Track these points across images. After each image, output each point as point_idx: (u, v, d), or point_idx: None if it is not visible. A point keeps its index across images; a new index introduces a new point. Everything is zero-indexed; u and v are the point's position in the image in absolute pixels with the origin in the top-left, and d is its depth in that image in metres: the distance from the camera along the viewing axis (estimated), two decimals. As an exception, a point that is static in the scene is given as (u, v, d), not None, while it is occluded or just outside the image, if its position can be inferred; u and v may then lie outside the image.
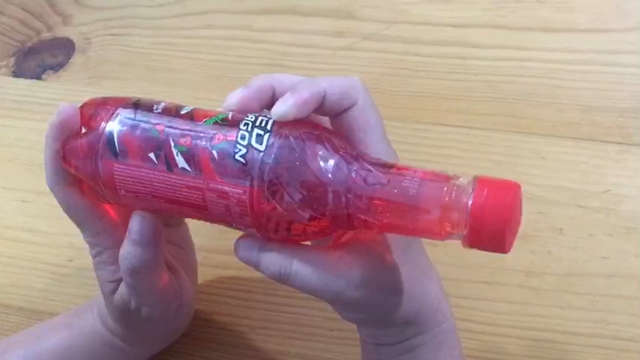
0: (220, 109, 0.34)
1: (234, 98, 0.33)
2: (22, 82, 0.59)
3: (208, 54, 0.57)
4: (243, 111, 0.33)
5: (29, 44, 0.60)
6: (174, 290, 0.41)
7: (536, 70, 0.53)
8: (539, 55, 0.54)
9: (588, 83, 0.52)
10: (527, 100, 0.52)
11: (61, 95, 0.57)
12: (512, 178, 0.49)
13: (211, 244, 0.49)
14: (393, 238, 0.34)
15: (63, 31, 0.60)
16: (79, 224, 0.39)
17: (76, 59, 0.59)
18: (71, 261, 0.51)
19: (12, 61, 0.60)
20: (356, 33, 0.56)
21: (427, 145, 0.52)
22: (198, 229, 0.45)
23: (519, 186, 0.30)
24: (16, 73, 0.59)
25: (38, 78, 0.59)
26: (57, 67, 0.59)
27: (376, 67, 0.55)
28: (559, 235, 0.48)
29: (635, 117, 0.51)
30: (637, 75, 0.52)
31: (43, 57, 0.59)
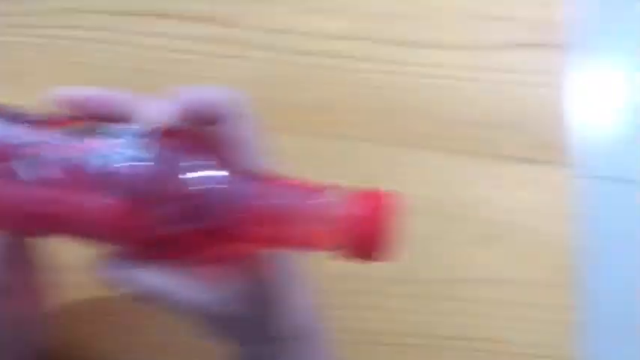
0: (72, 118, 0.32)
1: (79, 94, 0.32)
2: None
3: (74, 56, 0.54)
4: (82, 112, 0.32)
5: None
6: (10, 314, 0.37)
7: (407, 84, 0.54)
8: (411, 70, 0.55)
9: (459, 98, 0.54)
10: (399, 112, 0.54)
11: None
12: (382, 188, 0.51)
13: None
14: (270, 254, 0.34)
15: None
16: None
17: None
18: None
19: None
20: (239, 41, 0.55)
21: (306, 157, 0.52)
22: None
23: (390, 195, 0.31)
24: None
25: None
26: None
27: (258, 76, 0.54)
28: (426, 243, 0.50)
29: (505, 130, 0.53)
30: (507, 90, 0.54)
31: None
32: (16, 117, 0.32)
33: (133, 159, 0.30)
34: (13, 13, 0.55)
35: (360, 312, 0.48)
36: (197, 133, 0.33)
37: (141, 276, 0.31)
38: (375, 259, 0.30)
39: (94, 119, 0.32)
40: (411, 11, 0.57)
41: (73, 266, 0.45)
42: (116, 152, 0.30)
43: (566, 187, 0.52)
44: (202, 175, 0.30)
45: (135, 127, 0.31)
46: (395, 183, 0.51)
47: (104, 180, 0.30)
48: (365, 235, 0.30)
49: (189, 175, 0.30)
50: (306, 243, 0.31)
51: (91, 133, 0.31)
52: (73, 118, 0.32)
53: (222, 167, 0.31)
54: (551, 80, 0.55)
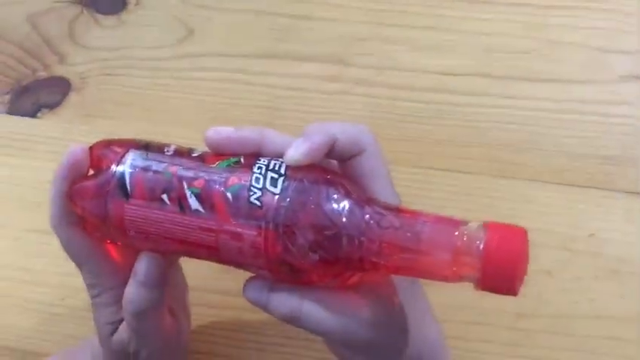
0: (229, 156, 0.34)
1: (217, 134, 0.34)
2: (17, 120, 0.59)
3: (204, 95, 0.58)
4: (221, 150, 0.34)
5: (25, 82, 0.60)
6: (175, 332, 0.41)
7: (522, 118, 0.55)
8: (525, 104, 0.56)
9: (572, 131, 0.54)
10: (513, 146, 0.54)
11: (55, 133, 0.58)
12: (500, 221, 0.52)
13: (206, 284, 0.49)
14: (397, 280, 0.35)
15: (59, 70, 0.61)
16: (80, 265, 0.39)
17: (72, 98, 0.59)
18: (63, 300, 0.51)
19: (7, 98, 0.60)
20: (348, 78, 0.58)
21: (417, 188, 0.53)
22: (191, 270, 0.45)
23: (526, 231, 0.31)
24: (11, 111, 0.59)
25: (33, 116, 0.59)
26: (52, 106, 0.59)
27: (367, 111, 0.57)
28: (548, 278, 0.49)
29: (617, 164, 0.53)
30: (618, 124, 0.54)
31: (38, 95, 0.60)
32: (176, 153, 0.35)
33: (285, 190, 0.32)
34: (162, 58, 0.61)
35: (473, 344, 0.48)
36: (327, 167, 0.34)
37: (282, 300, 0.33)
38: (510, 293, 0.31)
39: (235, 155, 0.34)
40: (530, 46, 0.57)
41: (209, 287, 0.49)
42: (259, 185, 0.32)
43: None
44: (339, 205, 0.32)
45: (275, 161, 0.33)
46: (508, 216, 0.53)
47: (247, 211, 0.32)
48: (504, 268, 0.30)
49: (328, 205, 0.32)
50: (444, 274, 0.31)
51: (245, 166, 0.33)
52: (219, 155, 0.35)
53: (358, 198, 0.33)
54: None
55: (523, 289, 0.49)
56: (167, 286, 0.38)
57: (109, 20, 0.62)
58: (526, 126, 0.55)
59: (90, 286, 0.39)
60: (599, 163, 0.53)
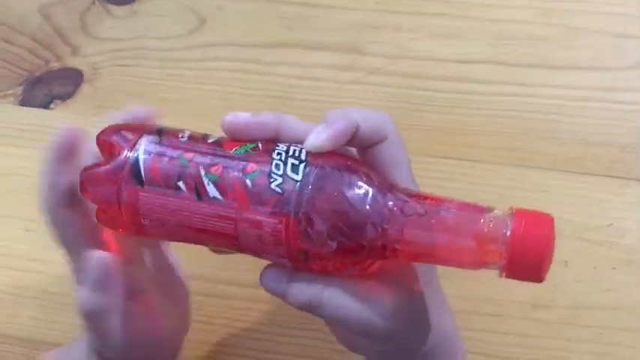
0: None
1: (235, 118, 0.33)
2: (29, 111, 0.59)
3: (217, 85, 0.58)
4: (238, 136, 0.33)
5: (37, 74, 0.60)
6: (153, 335, 0.39)
7: (538, 106, 0.54)
8: (541, 92, 0.55)
9: (589, 119, 0.54)
10: (530, 135, 0.53)
11: (68, 124, 0.58)
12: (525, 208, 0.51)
13: (216, 274, 0.49)
14: (417, 269, 0.35)
15: (72, 62, 0.60)
16: (71, 249, 0.37)
17: (84, 89, 0.59)
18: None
19: (19, 90, 0.60)
20: (361, 67, 0.57)
21: (432, 178, 0.53)
22: (202, 259, 0.45)
23: (553, 217, 0.31)
24: (24, 102, 0.59)
25: (46, 107, 0.59)
26: (65, 97, 0.59)
27: (381, 100, 0.56)
28: (564, 268, 0.49)
29: (635, 152, 0.52)
30: (636, 111, 0.53)
31: (51, 86, 0.60)
32: (191, 138, 0.34)
33: (307, 177, 0.31)
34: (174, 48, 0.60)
35: (497, 336, 0.47)
36: (347, 155, 0.34)
37: (302, 287, 0.33)
38: (536, 280, 0.30)
39: (253, 141, 0.34)
40: (545, 32, 0.57)
41: (219, 278, 0.49)
42: (279, 172, 0.32)
43: None
44: (362, 192, 0.31)
45: (294, 147, 0.33)
46: (524, 205, 0.52)
47: (267, 198, 0.32)
48: (531, 255, 0.29)
49: (350, 192, 0.31)
50: (469, 261, 0.31)
51: (263, 152, 0.33)
52: (236, 140, 0.34)
53: (380, 185, 0.32)
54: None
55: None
56: (121, 286, 0.36)
57: (120, 11, 0.62)
58: (541, 114, 0.54)
59: (77, 271, 0.37)
60: (615, 151, 0.52)
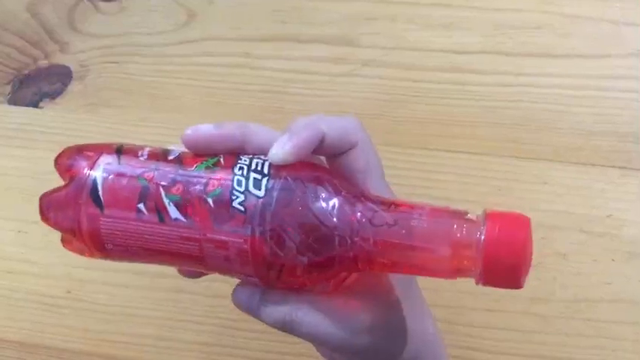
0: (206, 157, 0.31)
1: (196, 132, 0.31)
2: (19, 110, 0.58)
3: (207, 81, 0.57)
4: (200, 150, 0.31)
5: (26, 72, 0.59)
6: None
7: (536, 96, 0.53)
8: (539, 81, 0.54)
9: (588, 108, 0.52)
10: (528, 126, 0.52)
11: (58, 123, 0.57)
12: (514, 203, 0.50)
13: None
14: (394, 277, 0.33)
15: (60, 59, 0.59)
16: None
17: (74, 87, 0.58)
18: (69, 292, 0.50)
19: (8, 88, 0.59)
20: (355, 60, 0.56)
21: (427, 171, 0.52)
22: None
23: (529, 219, 0.29)
24: (12, 101, 0.58)
25: (35, 106, 0.58)
26: (54, 95, 0.58)
27: (376, 93, 0.55)
28: (563, 261, 0.48)
29: (635, 141, 0.51)
30: (636, 99, 0.52)
31: (39, 85, 0.59)
32: (151, 156, 0.32)
33: (269, 192, 0.30)
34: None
35: (495, 332, 0.47)
36: (315, 163, 0.32)
37: (275, 307, 0.31)
38: (514, 286, 0.29)
39: (216, 155, 0.32)
40: (542, 20, 0.55)
41: (216, 276, 0.48)
42: (241, 188, 0.30)
43: None
44: (328, 204, 0.30)
45: (257, 159, 0.31)
46: (523, 198, 0.51)
47: (230, 217, 0.30)
48: (506, 259, 0.28)
49: (316, 205, 0.30)
50: (444, 269, 0.29)
51: (226, 167, 0.31)
52: (198, 155, 0.32)
53: (348, 195, 0.30)
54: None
55: (538, 273, 0.48)
56: None
57: (109, 7, 0.61)
58: (540, 104, 0.53)
59: None
60: (616, 141, 0.51)
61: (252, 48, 0.58)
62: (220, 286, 0.48)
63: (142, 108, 0.56)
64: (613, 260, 0.48)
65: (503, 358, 0.46)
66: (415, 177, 0.51)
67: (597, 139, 0.51)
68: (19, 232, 0.53)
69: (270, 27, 0.59)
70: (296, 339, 0.35)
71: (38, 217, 0.55)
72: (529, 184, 0.51)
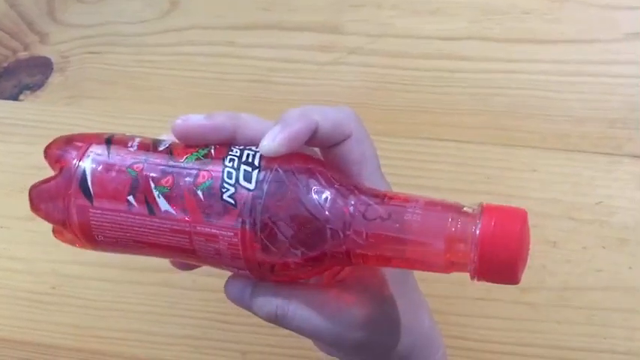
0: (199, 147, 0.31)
1: (186, 122, 0.31)
2: (-1, 104, 0.57)
3: (191, 71, 0.56)
4: (191, 141, 0.31)
5: (5, 64, 0.58)
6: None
7: (524, 82, 0.53)
8: (527, 67, 0.53)
9: (577, 94, 0.52)
10: (517, 113, 0.52)
11: (39, 116, 0.56)
12: (504, 191, 0.50)
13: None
14: (389, 272, 0.33)
15: (40, 50, 0.58)
16: None
17: (55, 79, 0.57)
18: (54, 288, 0.50)
19: (-13, 81, 0.58)
20: (342, 47, 0.55)
21: (417, 160, 0.51)
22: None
23: (526, 213, 0.29)
24: (-8, 94, 0.57)
25: (15, 99, 0.57)
26: (34, 87, 0.57)
27: (363, 81, 0.54)
28: (553, 249, 0.48)
29: (625, 127, 0.51)
30: (625, 85, 0.52)
31: (19, 77, 0.58)
32: (141, 147, 0.32)
33: (260, 184, 0.29)
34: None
35: (486, 321, 0.47)
36: (307, 154, 0.32)
37: (267, 300, 0.31)
38: (512, 282, 0.28)
39: (206, 146, 0.31)
40: (530, 5, 0.55)
41: (206, 270, 0.48)
42: (231, 181, 0.30)
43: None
44: (320, 197, 0.29)
45: (248, 151, 0.30)
46: (512, 185, 0.51)
47: (220, 210, 0.29)
48: (503, 253, 0.27)
49: (308, 198, 0.29)
50: (438, 264, 0.29)
51: (216, 159, 0.30)
52: (188, 146, 0.31)
53: (341, 187, 0.30)
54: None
55: (527, 262, 0.48)
56: None
57: (89, -5, 0.60)
58: (528, 90, 0.52)
59: None
60: (605, 127, 0.51)
61: (236, 37, 0.57)
62: (209, 280, 0.48)
63: (125, 99, 0.55)
64: (603, 247, 0.48)
65: (493, 347, 0.46)
66: (404, 166, 0.51)
67: (586, 126, 0.51)
68: (1, 227, 0.52)
69: (254, 14, 0.58)
70: (286, 332, 0.35)
71: (21, 212, 0.54)
72: (518, 172, 0.50)
